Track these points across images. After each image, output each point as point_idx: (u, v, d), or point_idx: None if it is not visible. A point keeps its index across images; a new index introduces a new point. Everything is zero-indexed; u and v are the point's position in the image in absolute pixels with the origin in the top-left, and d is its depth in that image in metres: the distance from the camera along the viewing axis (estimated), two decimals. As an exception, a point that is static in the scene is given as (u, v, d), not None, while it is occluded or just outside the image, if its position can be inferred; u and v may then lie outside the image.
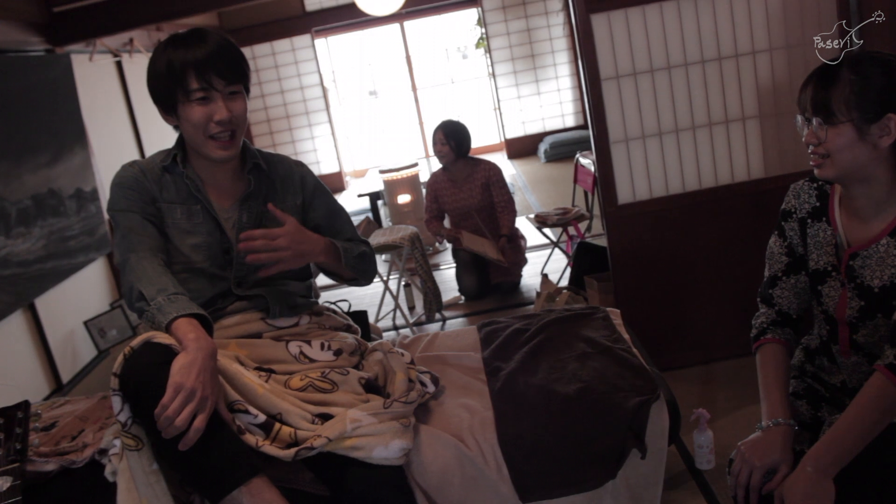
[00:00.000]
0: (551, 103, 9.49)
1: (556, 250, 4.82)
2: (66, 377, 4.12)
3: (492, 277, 4.61)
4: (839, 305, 1.59)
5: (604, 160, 3.04)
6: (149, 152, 5.10)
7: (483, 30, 9.37)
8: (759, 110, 3.02)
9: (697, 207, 3.08)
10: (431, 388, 1.97)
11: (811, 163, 1.54)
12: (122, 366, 1.51)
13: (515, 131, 9.59)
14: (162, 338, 1.55)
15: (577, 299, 3.63)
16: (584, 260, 3.86)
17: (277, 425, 1.61)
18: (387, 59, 16.31)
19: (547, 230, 4.74)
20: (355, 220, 6.76)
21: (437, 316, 4.40)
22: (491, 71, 9.45)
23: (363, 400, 1.75)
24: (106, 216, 4.52)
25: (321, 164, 9.36)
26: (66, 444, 1.95)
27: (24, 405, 1.71)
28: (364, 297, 4.83)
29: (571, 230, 4.76)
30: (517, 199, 4.76)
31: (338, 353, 1.90)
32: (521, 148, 9.57)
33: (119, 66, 5.57)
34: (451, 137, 4.56)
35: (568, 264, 4.48)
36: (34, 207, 3.90)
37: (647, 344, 2.63)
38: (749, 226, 3.03)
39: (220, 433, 1.51)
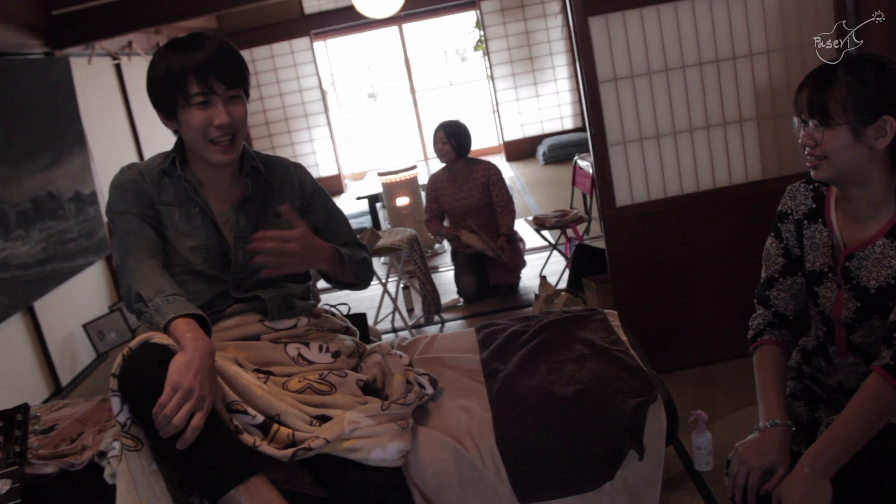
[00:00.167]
0: (550, 105, 9.50)
1: (555, 252, 4.82)
2: (65, 380, 4.12)
3: (490, 279, 4.62)
4: (835, 306, 1.60)
5: (602, 162, 3.05)
6: (147, 155, 5.11)
7: (482, 32, 9.39)
8: (757, 112, 3.03)
9: (695, 209, 3.08)
10: (430, 390, 1.97)
11: (808, 164, 1.55)
12: (120, 366, 1.51)
13: (514, 133, 9.60)
14: (160, 338, 1.55)
15: (576, 301, 3.63)
16: (582, 262, 3.87)
17: (275, 426, 1.62)
18: (385, 62, 16.34)
19: (545, 232, 4.75)
20: (355, 225, 6.77)
21: (436, 318, 4.40)
22: (489, 73, 9.46)
23: (361, 402, 1.76)
24: (105, 219, 4.53)
25: (320, 166, 9.37)
26: (65, 446, 1.95)
27: (24, 408, 1.72)
28: (363, 299, 4.84)
29: (570, 232, 4.77)
30: (516, 201, 4.76)
31: (336, 355, 1.90)
32: (519, 150, 9.58)
33: (118, 68, 5.58)
34: (453, 136, 4.58)
35: (566, 266, 4.49)
36: (33, 210, 3.91)
37: (645, 346, 2.63)
38: (747, 228, 3.04)
39: (217, 432, 1.51)
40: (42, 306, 4.02)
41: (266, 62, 8.98)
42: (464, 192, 4.65)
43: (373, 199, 6.08)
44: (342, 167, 9.69)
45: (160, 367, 1.48)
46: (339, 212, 2.08)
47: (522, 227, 5.30)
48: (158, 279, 1.68)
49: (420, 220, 5.85)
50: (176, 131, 1.85)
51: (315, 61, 9.07)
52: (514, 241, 4.68)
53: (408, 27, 10.00)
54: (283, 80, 9.09)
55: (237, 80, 1.78)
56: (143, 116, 5.72)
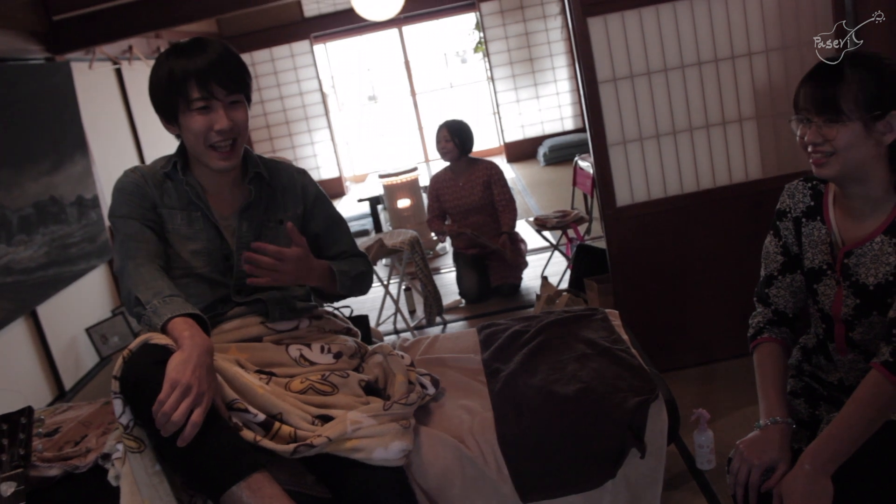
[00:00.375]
0: (550, 107, 9.51)
1: (556, 253, 4.83)
2: (68, 384, 4.13)
3: (492, 280, 4.63)
4: (835, 304, 1.60)
5: (602, 162, 3.05)
6: (149, 159, 5.12)
7: (481, 34, 9.39)
8: (757, 112, 3.03)
9: (696, 209, 3.09)
10: (431, 390, 1.98)
11: (811, 161, 1.54)
12: (121, 368, 1.52)
13: (514, 135, 9.60)
14: (159, 339, 1.56)
15: (577, 301, 3.64)
16: (583, 262, 3.88)
17: (277, 424, 1.62)
18: (386, 65, 16.36)
19: (546, 233, 4.75)
20: (356, 228, 6.78)
21: (438, 319, 4.41)
22: (490, 75, 9.47)
23: (363, 402, 1.76)
24: (107, 223, 4.54)
25: (321, 169, 9.38)
26: (69, 449, 1.96)
27: (28, 411, 1.72)
28: (365, 301, 4.84)
29: (571, 233, 4.77)
30: (517, 202, 4.77)
31: (338, 355, 1.91)
32: (520, 151, 9.59)
33: (118, 73, 5.60)
34: (456, 135, 4.61)
35: (568, 267, 4.49)
36: (35, 215, 3.92)
37: (647, 345, 2.64)
38: (747, 226, 3.04)
39: (217, 429, 1.52)
40: (45, 311, 4.03)
41: (266, 65, 8.99)
42: (465, 191, 4.66)
43: (374, 202, 6.09)
44: (343, 170, 9.70)
45: (160, 366, 1.49)
46: (340, 219, 2.08)
47: (524, 228, 5.31)
48: (156, 282, 1.69)
49: (421, 221, 5.86)
50: (178, 136, 1.85)
51: (315, 64, 9.08)
52: (516, 241, 4.69)
53: (408, 29, 10.01)
54: (283, 84, 9.10)
55: (238, 86, 1.78)
56: (145, 120, 5.73)
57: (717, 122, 3.04)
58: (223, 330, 1.84)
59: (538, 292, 4.10)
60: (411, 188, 6.09)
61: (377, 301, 4.65)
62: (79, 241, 4.32)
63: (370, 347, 2.06)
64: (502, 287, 4.64)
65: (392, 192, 6.07)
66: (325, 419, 1.69)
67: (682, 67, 2.99)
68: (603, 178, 3.08)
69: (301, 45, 8.99)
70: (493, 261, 4.63)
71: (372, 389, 1.87)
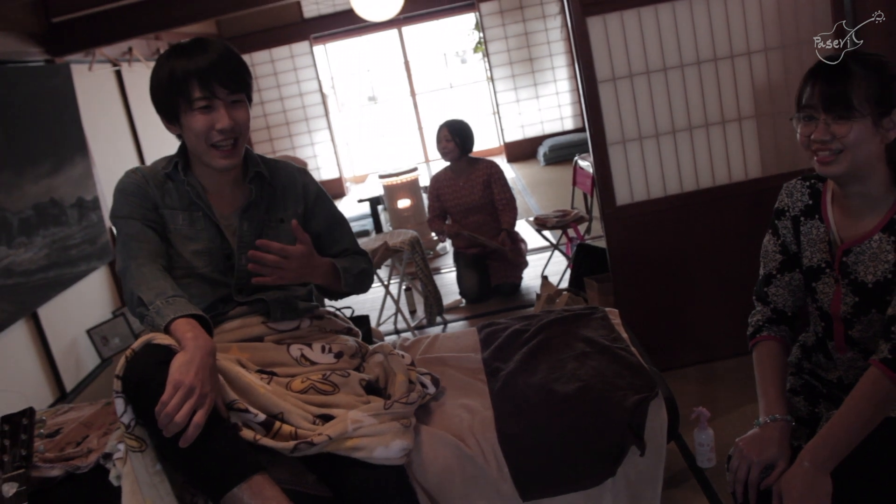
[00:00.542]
0: (550, 106, 9.51)
1: (556, 252, 4.83)
2: (69, 385, 4.14)
3: (492, 280, 4.63)
4: (833, 302, 1.60)
5: (601, 162, 3.06)
6: (149, 160, 5.12)
7: (481, 34, 9.40)
8: (756, 110, 3.04)
9: (695, 207, 3.09)
10: (432, 389, 1.99)
11: (817, 160, 1.53)
12: (123, 367, 1.53)
13: (514, 135, 9.61)
14: (162, 339, 1.57)
15: (577, 301, 3.64)
16: (583, 261, 3.88)
17: (278, 423, 1.63)
18: (385, 65, 16.37)
19: (546, 232, 4.76)
20: (357, 228, 6.79)
21: (438, 319, 4.41)
22: (489, 75, 9.48)
23: (364, 401, 1.77)
24: (107, 224, 4.55)
25: (321, 170, 9.39)
26: (70, 449, 1.96)
27: (29, 412, 1.73)
28: (365, 301, 4.85)
29: (571, 232, 4.78)
30: (517, 201, 4.78)
31: (339, 355, 1.91)
32: (520, 151, 9.59)
33: (118, 75, 5.60)
34: (457, 135, 4.61)
35: (568, 266, 4.50)
36: (36, 217, 3.93)
37: (647, 343, 2.64)
38: (747, 225, 3.05)
39: (220, 431, 1.53)
40: (46, 312, 4.04)
41: (266, 66, 9.00)
42: (465, 191, 4.67)
43: (374, 202, 6.10)
44: (343, 170, 9.71)
45: (162, 367, 1.50)
46: (342, 218, 2.09)
47: (524, 228, 5.32)
48: (159, 282, 1.69)
49: (421, 221, 5.86)
50: (179, 136, 1.86)
51: (315, 65, 9.09)
52: (516, 241, 4.70)
53: (407, 30, 10.02)
54: (283, 85, 9.11)
55: (239, 85, 1.79)
56: (145, 122, 5.74)
57: (717, 121, 3.05)
58: (224, 330, 1.84)
59: (538, 292, 4.10)
60: (411, 188, 6.10)
61: (378, 301, 4.66)
62: (79, 243, 4.33)
63: (371, 347, 2.06)
64: (502, 286, 4.65)
65: (392, 192, 6.07)
66: (326, 418, 1.69)
67: (681, 67, 3.00)
68: (603, 178, 3.08)
69: (301, 46, 8.99)
70: (493, 260, 4.63)
71: (373, 389, 1.88)
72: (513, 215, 4.63)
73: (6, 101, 3.82)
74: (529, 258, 4.91)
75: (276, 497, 1.50)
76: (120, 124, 5.56)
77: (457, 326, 4.36)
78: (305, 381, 1.77)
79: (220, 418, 1.55)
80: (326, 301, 2.29)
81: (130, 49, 5.65)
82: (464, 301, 4.69)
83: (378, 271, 4.45)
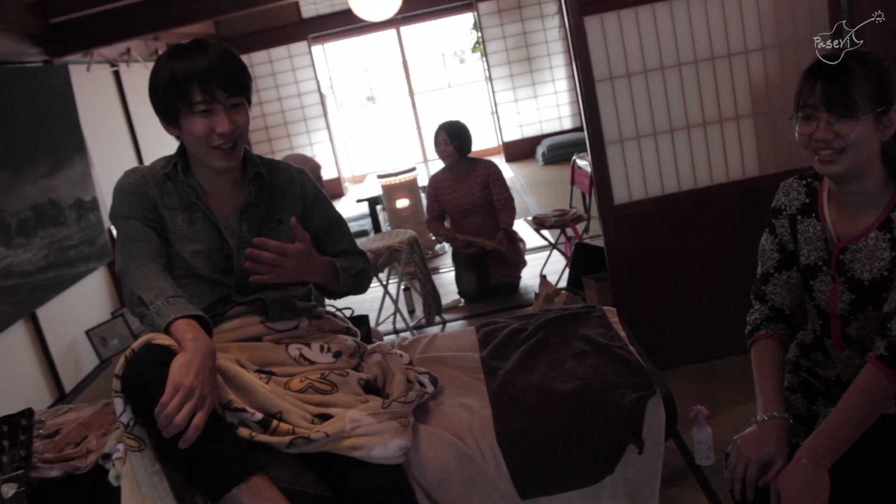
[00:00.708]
0: (548, 106, 9.52)
1: (555, 252, 4.84)
2: (68, 386, 4.14)
3: (491, 279, 4.64)
4: (831, 299, 1.61)
5: (599, 161, 3.06)
6: (147, 161, 5.13)
7: (479, 34, 9.40)
8: (753, 109, 3.04)
9: (693, 206, 3.10)
10: (430, 389, 1.99)
11: (818, 158, 1.52)
12: (123, 367, 1.53)
13: (513, 134, 9.61)
14: (162, 339, 1.57)
15: (576, 300, 3.65)
16: (582, 261, 3.89)
17: (276, 422, 1.63)
18: (384, 65, 16.36)
19: (545, 232, 4.76)
20: (355, 228, 6.79)
21: (437, 319, 4.42)
22: (488, 74, 9.48)
23: (362, 400, 1.77)
24: (106, 225, 4.55)
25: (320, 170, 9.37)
26: (69, 450, 1.97)
27: (28, 413, 1.73)
28: (364, 301, 4.85)
29: (569, 231, 4.78)
30: (515, 201, 4.78)
31: (337, 355, 1.92)
32: (518, 151, 9.60)
33: (117, 75, 5.60)
34: (455, 137, 4.61)
35: (566, 265, 4.50)
36: (34, 218, 3.93)
37: (646, 342, 2.65)
38: (745, 223, 3.05)
39: (219, 432, 1.53)
40: (44, 313, 4.04)
41: (264, 67, 9.00)
42: (464, 192, 4.67)
43: (373, 202, 6.11)
44: (342, 170, 9.71)
45: (162, 367, 1.50)
46: (340, 219, 2.09)
47: (522, 227, 5.32)
48: (159, 282, 1.69)
49: (420, 221, 5.87)
50: (178, 137, 1.86)
51: (313, 65, 9.09)
52: (515, 240, 4.70)
53: (405, 30, 10.02)
54: (281, 85, 9.11)
55: (239, 89, 1.79)
56: (143, 122, 5.74)
57: (714, 119, 3.05)
58: (223, 329, 1.84)
59: (537, 291, 4.11)
60: (410, 188, 6.10)
61: (376, 301, 4.66)
62: (78, 244, 4.32)
63: (369, 346, 2.07)
64: (501, 286, 4.65)
65: (391, 192, 6.07)
66: (325, 418, 1.70)
67: (678, 66, 3.00)
68: (601, 177, 3.08)
69: (299, 46, 8.99)
70: (491, 260, 4.63)
71: (371, 388, 1.88)
72: (511, 215, 4.63)
73: (4, 102, 3.82)
74: (528, 257, 4.91)
75: (274, 498, 1.51)
76: (118, 125, 5.56)
77: (455, 326, 4.36)
78: (304, 380, 1.77)
79: (220, 419, 1.55)
80: (326, 301, 2.30)
81: (129, 50, 5.65)
82: (462, 301, 4.70)
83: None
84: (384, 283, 4.44)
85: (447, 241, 4.78)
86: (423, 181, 6.14)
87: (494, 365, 2.13)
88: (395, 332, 4.41)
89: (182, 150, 1.89)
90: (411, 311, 4.66)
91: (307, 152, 9.29)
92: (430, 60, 17.59)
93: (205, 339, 1.56)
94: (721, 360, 3.19)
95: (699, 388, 3.02)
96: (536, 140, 9.46)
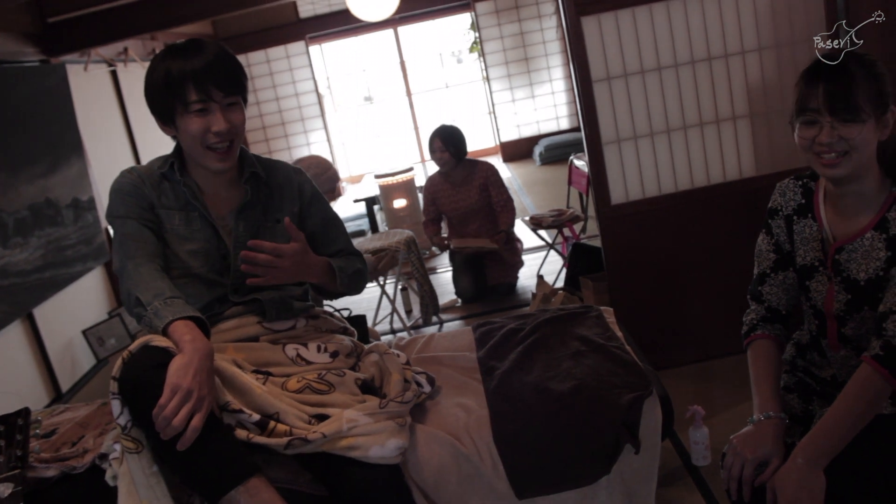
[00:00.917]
0: (546, 106, 9.52)
1: (552, 252, 4.84)
2: (65, 386, 4.13)
3: (489, 280, 4.63)
4: (827, 299, 1.61)
5: (596, 161, 3.06)
6: (145, 160, 5.12)
7: (477, 34, 9.41)
8: (750, 109, 3.05)
9: (690, 206, 3.10)
10: (427, 388, 1.99)
11: (822, 162, 1.51)
12: (120, 369, 1.53)
13: (510, 134, 9.62)
14: (159, 341, 1.57)
15: (573, 300, 3.65)
16: (579, 261, 3.89)
17: (273, 423, 1.63)
18: (381, 65, 16.36)
19: (542, 232, 4.76)
20: (353, 228, 6.79)
21: (434, 319, 4.42)
22: (485, 75, 9.48)
23: (359, 400, 1.77)
24: (103, 225, 4.54)
25: (317, 170, 9.38)
26: (66, 450, 1.96)
27: (25, 412, 1.73)
28: (361, 301, 4.85)
29: (566, 231, 4.78)
30: (513, 201, 4.78)
31: (334, 355, 1.91)
32: (516, 151, 9.60)
33: (114, 75, 5.60)
34: (450, 143, 4.59)
35: (563, 265, 4.51)
36: (31, 217, 3.92)
37: (642, 342, 2.65)
38: (742, 224, 3.06)
39: (217, 434, 1.53)
40: (41, 313, 4.04)
41: (262, 67, 9.00)
42: (462, 195, 4.67)
43: (370, 202, 6.11)
44: (339, 170, 9.71)
45: (160, 369, 1.49)
46: (336, 219, 2.09)
47: (519, 227, 5.32)
48: (157, 283, 1.69)
49: (417, 221, 5.87)
50: (174, 137, 1.86)
51: (311, 65, 9.09)
52: (512, 240, 4.70)
53: (403, 30, 10.02)
54: (279, 85, 9.11)
55: (235, 88, 1.79)
56: (140, 122, 5.73)
57: (711, 120, 3.06)
58: (220, 330, 1.84)
59: (534, 291, 4.11)
60: (407, 188, 6.10)
61: (374, 301, 4.66)
62: (75, 244, 4.32)
63: (366, 346, 2.07)
64: (499, 287, 4.65)
65: (388, 192, 6.08)
66: (322, 418, 1.70)
67: (675, 66, 3.01)
68: (598, 177, 3.09)
69: (296, 46, 8.99)
70: (489, 260, 4.63)
71: (368, 388, 1.88)
72: (511, 216, 4.63)
73: (1, 102, 3.82)
74: (525, 258, 4.92)
75: (272, 500, 1.51)
76: (115, 124, 5.56)
77: (452, 326, 4.36)
78: (301, 380, 1.77)
79: (218, 421, 1.55)
80: (324, 301, 2.29)
81: (126, 49, 5.65)
82: (459, 301, 4.70)
83: (374, 271, 4.44)
84: (381, 283, 4.44)
85: (441, 250, 4.80)
86: (420, 181, 6.14)
87: (491, 365, 2.14)
88: (393, 332, 4.41)
89: (179, 149, 1.89)
90: (408, 311, 4.66)
91: (304, 152, 9.29)
92: (428, 60, 17.59)
93: (202, 341, 1.56)
94: (717, 361, 3.20)
95: (696, 388, 3.02)
96: (534, 140, 9.47)
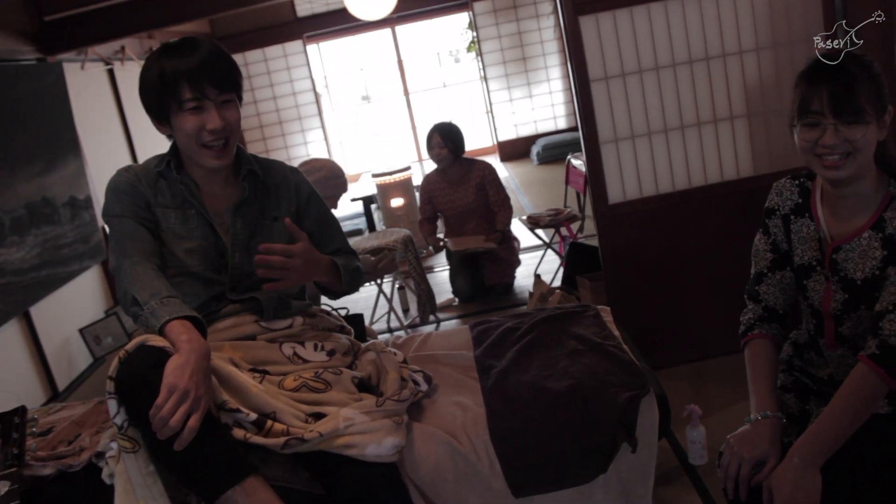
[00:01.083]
0: (543, 105, 9.53)
1: (549, 251, 4.84)
2: (62, 385, 4.13)
3: (486, 279, 4.63)
4: (824, 299, 1.62)
5: (594, 160, 3.06)
6: (141, 159, 5.11)
7: (474, 33, 9.41)
8: (748, 109, 3.05)
9: (688, 206, 3.10)
10: (424, 387, 1.99)
11: (825, 164, 1.51)
12: (116, 369, 1.52)
13: (508, 134, 9.62)
14: (156, 340, 1.56)
15: (570, 299, 3.65)
16: (576, 260, 3.89)
17: (270, 422, 1.63)
18: (379, 64, 16.35)
19: (539, 231, 4.76)
20: (350, 227, 6.79)
21: (431, 318, 4.42)
22: (483, 74, 9.49)
23: (356, 399, 1.77)
24: (100, 223, 4.54)
25: (314, 169, 9.36)
26: (63, 448, 1.96)
27: (21, 410, 1.73)
28: (358, 300, 4.85)
29: (564, 231, 4.79)
30: (510, 200, 4.78)
31: (331, 353, 1.91)
32: (513, 150, 9.61)
33: (111, 73, 5.59)
34: (449, 140, 4.60)
35: (560, 264, 4.51)
36: (28, 216, 3.92)
37: (640, 342, 2.65)
38: (739, 223, 3.06)
39: (214, 433, 1.53)
40: (38, 311, 4.03)
41: (259, 65, 8.99)
42: (459, 194, 4.67)
43: (367, 201, 6.11)
44: (337, 169, 9.70)
45: (156, 369, 1.49)
46: (333, 218, 2.09)
47: (517, 227, 5.33)
48: (154, 282, 1.69)
49: (414, 220, 5.87)
50: (169, 136, 1.86)
51: (308, 64, 9.08)
52: (509, 240, 4.70)
53: (401, 29, 10.02)
54: (276, 84, 9.10)
55: (229, 85, 1.78)
56: (137, 121, 5.73)
57: (709, 119, 3.06)
58: (217, 328, 1.84)
59: (531, 290, 4.11)
60: (404, 187, 6.11)
61: (371, 300, 4.66)
62: (71, 242, 4.31)
63: (363, 345, 2.06)
64: (496, 286, 4.65)
65: (385, 191, 6.08)
66: (318, 417, 1.69)
67: (673, 66, 3.01)
68: (595, 176, 3.09)
69: (294, 45, 8.98)
70: (486, 260, 4.63)
71: (365, 386, 1.88)
72: (508, 215, 4.63)
73: (-2, 100, 3.81)
74: (522, 257, 4.92)
75: (269, 499, 1.51)
76: (112, 123, 5.55)
77: (449, 325, 4.36)
78: (298, 379, 1.77)
79: (215, 421, 1.55)
80: (324, 300, 2.29)
81: (123, 48, 5.64)
82: (456, 300, 4.70)
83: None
84: (379, 281, 4.44)
85: (436, 250, 4.80)
86: (417, 180, 6.14)
87: (488, 363, 2.13)
88: (390, 330, 4.41)
89: (175, 148, 1.88)
90: (405, 310, 4.66)
91: (302, 151, 9.29)
92: (426, 60, 17.58)
93: (199, 341, 1.56)
94: (714, 360, 3.20)
95: (693, 388, 3.03)
96: (531, 140, 9.47)
